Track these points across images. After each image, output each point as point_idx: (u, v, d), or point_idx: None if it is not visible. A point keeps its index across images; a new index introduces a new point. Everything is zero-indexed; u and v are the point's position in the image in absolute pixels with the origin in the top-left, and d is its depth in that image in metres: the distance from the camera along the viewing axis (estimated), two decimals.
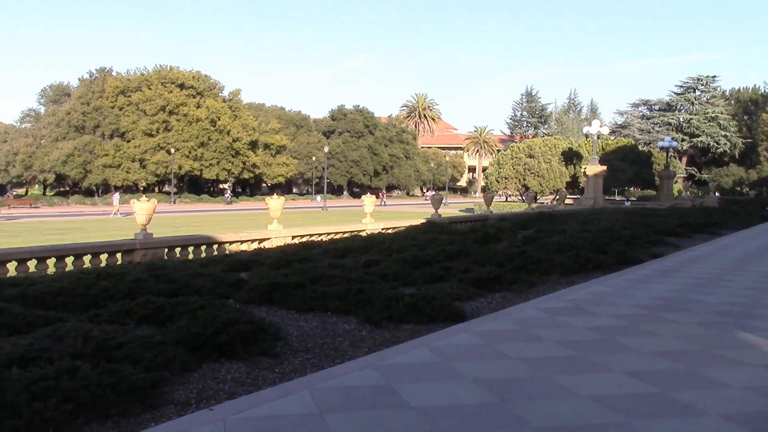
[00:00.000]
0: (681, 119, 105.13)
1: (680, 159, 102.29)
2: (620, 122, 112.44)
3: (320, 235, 21.22)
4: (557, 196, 53.95)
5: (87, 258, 14.92)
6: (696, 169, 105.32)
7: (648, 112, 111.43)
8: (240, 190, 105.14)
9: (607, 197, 55.39)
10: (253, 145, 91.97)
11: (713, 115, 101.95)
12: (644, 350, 6.93)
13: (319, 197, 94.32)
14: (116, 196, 68.63)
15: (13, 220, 53.04)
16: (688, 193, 79.37)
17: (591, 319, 8.53)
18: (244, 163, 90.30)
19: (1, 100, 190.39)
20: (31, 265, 13.93)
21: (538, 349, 6.93)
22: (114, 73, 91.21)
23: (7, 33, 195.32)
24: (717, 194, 59.30)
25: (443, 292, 9.43)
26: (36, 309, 7.42)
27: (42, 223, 48.57)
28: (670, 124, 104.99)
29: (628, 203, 54.42)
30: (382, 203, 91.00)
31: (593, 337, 7.50)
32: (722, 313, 9.16)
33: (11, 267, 13.58)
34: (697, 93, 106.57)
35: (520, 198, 69.02)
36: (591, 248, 14.75)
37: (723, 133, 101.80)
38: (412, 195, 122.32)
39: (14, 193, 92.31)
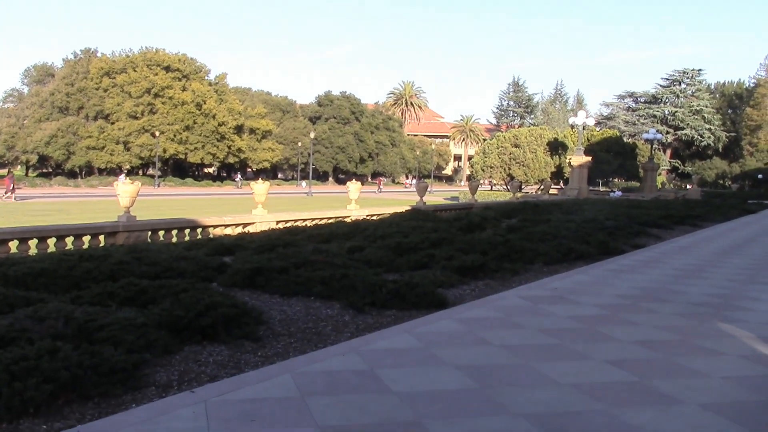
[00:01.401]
0: (666, 112, 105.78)
1: (664, 151, 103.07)
2: (606, 114, 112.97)
3: (305, 220, 21.17)
4: (542, 186, 54.08)
5: (69, 240, 14.80)
6: (680, 162, 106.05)
7: (633, 105, 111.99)
8: (225, 174, 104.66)
9: (591, 188, 55.67)
10: (239, 130, 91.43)
11: (698, 108, 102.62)
12: (625, 339, 7.00)
13: (304, 183, 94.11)
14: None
15: None
16: (672, 185, 79.81)
17: (573, 308, 8.59)
18: (229, 147, 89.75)
19: None
20: (13, 245, 13.81)
21: (520, 336, 6.98)
22: (99, 54, 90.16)
23: None
24: (699, 187, 59.72)
25: (427, 279, 9.46)
26: (17, 289, 7.37)
27: (24, 204, 48.17)
28: (655, 116, 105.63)
29: (617, 194, 54.61)
30: (379, 190, 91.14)
31: (575, 326, 7.55)
32: (702, 304, 9.25)
33: None
34: (683, 86, 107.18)
35: (505, 187, 69.20)
36: (574, 238, 14.84)
37: (707, 126, 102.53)
38: (398, 182, 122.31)
39: None
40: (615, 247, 15.06)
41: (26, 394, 4.38)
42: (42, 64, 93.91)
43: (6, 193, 53.52)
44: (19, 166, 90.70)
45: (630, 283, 10.75)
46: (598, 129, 76.19)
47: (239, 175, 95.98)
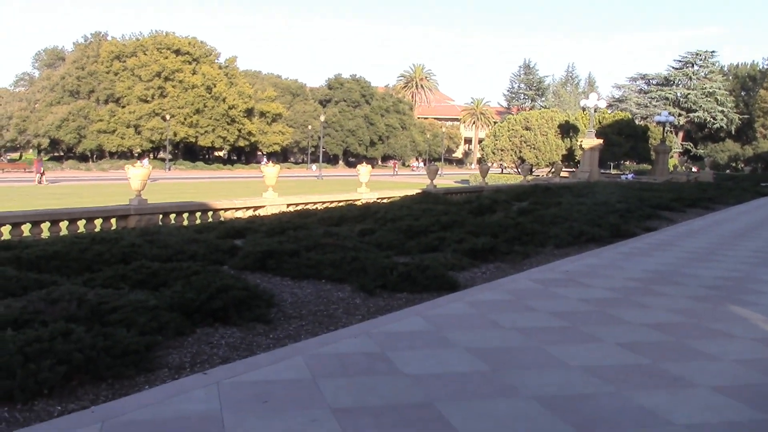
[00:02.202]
0: (678, 94, 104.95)
1: (676, 134, 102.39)
2: (618, 96, 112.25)
3: (315, 203, 21.17)
4: (553, 169, 53.85)
5: (81, 223, 14.87)
6: (692, 144, 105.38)
7: (646, 87, 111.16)
8: (235, 157, 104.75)
9: (602, 171, 55.42)
10: (249, 113, 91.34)
11: (711, 90, 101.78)
12: (637, 322, 6.98)
13: (314, 166, 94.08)
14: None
15: (7, 183, 52.86)
16: (684, 168, 79.35)
17: (584, 290, 8.57)
18: (239, 130, 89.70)
19: None
20: (26, 228, 13.88)
21: (531, 319, 6.97)
22: (109, 38, 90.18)
23: None
24: (712, 170, 59.24)
25: (437, 262, 9.46)
26: (30, 272, 7.42)
27: (36, 188, 48.41)
28: (667, 98, 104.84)
29: (630, 176, 54.25)
30: (395, 173, 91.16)
31: (586, 309, 7.54)
32: (715, 287, 9.21)
33: (5, 231, 13.53)
34: (696, 68, 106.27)
35: (515, 170, 69.00)
36: (585, 221, 14.79)
37: (720, 108, 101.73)
38: (408, 166, 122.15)
39: (8, 157, 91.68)
40: (626, 230, 15.00)
41: (40, 375, 4.41)
42: (53, 48, 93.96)
43: (38, 176, 54.71)
44: (30, 150, 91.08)
45: (642, 266, 10.71)
46: (609, 111, 75.71)
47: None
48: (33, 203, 31.20)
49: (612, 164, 77.49)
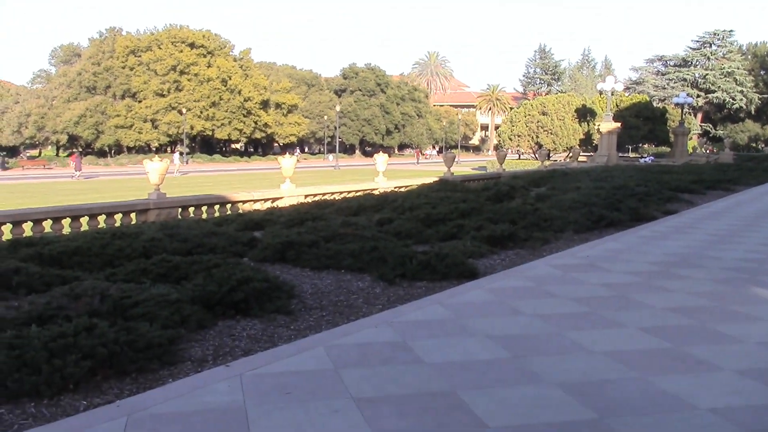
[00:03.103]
0: (696, 75, 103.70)
1: (695, 115, 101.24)
2: (635, 78, 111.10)
3: (333, 193, 21.19)
4: (570, 154, 53.48)
5: (102, 218, 14.98)
6: (711, 126, 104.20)
7: (663, 68, 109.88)
8: (252, 150, 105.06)
9: (621, 154, 54.95)
10: (265, 105, 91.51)
11: (729, 70, 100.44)
12: (658, 306, 6.93)
13: (331, 156, 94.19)
14: (176, 155, 68.82)
15: (28, 180, 53.40)
16: (703, 149, 78.59)
17: (605, 275, 8.53)
18: (255, 122, 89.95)
19: (13, 62, 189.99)
20: (47, 225, 14.00)
21: (551, 305, 6.94)
22: (124, 33, 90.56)
23: None
24: (732, 151, 58.54)
25: (456, 250, 9.44)
26: (52, 268, 7.49)
27: (56, 184, 48.83)
28: (685, 80, 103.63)
29: (648, 159, 53.75)
30: (418, 162, 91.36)
31: (607, 294, 7.50)
32: (737, 269, 9.13)
33: (27, 227, 13.65)
34: (713, 48, 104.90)
35: (533, 156, 68.64)
36: (604, 205, 14.69)
37: (739, 88, 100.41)
38: (422, 153, 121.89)
39: (27, 154, 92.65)
40: (646, 214, 14.90)
41: (65, 370, 4.46)
42: (68, 45, 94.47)
43: (75, 172, 56.52)
44: (49, 147, 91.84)
45: (662, 249, 10.63)
46: (627, 94, 75.04)
47: (297, 150, 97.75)
48: (53, 200, 31.47)
49: (630, 147, 76.71)
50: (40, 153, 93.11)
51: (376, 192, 21.46)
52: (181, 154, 73.56)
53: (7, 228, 13.36)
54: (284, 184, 20.31)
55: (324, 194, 20.96)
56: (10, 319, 5.35)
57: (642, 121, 61.91)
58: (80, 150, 74.62)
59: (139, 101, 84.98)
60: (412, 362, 5.12)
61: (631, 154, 74.51)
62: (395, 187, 23.06)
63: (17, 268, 7.02)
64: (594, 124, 57.01)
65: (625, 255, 10.07)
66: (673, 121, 65.20)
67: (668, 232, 12.76)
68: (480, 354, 5.35)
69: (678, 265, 9.33)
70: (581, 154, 54.91)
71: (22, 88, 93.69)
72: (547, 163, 40.72)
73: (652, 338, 5.82)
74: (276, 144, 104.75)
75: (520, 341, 5.70)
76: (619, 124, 46.40)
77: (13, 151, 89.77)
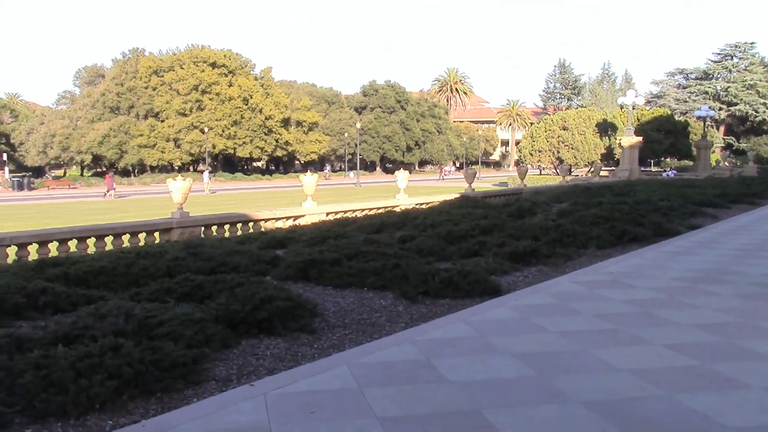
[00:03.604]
0: (718, 88, 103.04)
1: (717, 128, 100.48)
2: (656, 92, 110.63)
3: (354, 211, 21.25)
4: (592, 169, 53.25)
5: (126, 237, 15.11)
6: (734, 139, 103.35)
7: (684, 81, 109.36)
8: (273, 167, 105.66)
9: (643, 169, 54.61)
10: (286, 123, 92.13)
11: (752, 82, 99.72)
12: (684, 323, 6.86)
13: (352, 173, 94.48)
14: (206, 173, 69.72)
15: (52, 200, 54.04)
16: (726, 163, 77.86)
17: (629, 291, 8.46)
18: (276, 140, 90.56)
19: (38, 83, 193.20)
20: (72, 245, 14.16)
21: (575, 322, 6.90)
22: (147, 54, 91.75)
23: (43, 17, 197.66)
24: (756, 164, 57.90)
25: (479, 267, 9.41)
26: (78, 288, 7.57)
27: (81, 204, 49.37)
28: (707, 92, 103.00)
29: (671, 173, 53.34)
30: (442, 178, 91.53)
31: (632, 310, 7.43)
32: (764, 284, 9.01)
33: (53, 247, 13.81)
34: (735, 60, 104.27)
35: (554, 171, 68.37)
36: (627, 220, 14.58)
37: (762, 101, 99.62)
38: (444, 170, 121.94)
39: (53, 174, 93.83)
40: (670, 229, 14.77)
41: (92, 390, 4.49)
42: (93, 66, 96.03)
43: (108, 191, 57.61)
44: (74, 167, 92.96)
45: (687, 264, 10.53)
46: (648, 108, 74.73)
47: (328, 167, 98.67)
48: (78, 219, 31.79)
49: (652, 162, 76.28)
50: (64, 173, 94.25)
51: (397, 209, 21.47)
52: (210, 172, 74.30)
53: (33, 248, 13.52)
54: (306, 201, 20.39)
55: (345, 212, 21.01)
56: (37, 339, 5.41)
57: (664, 135, 61.61)
58: (112, 170, 75.62)
59: (162, 121, 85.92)
60: (436, 381, 5.10)
61: (653, 168, 74.09)
62: (416, 204, 23.05)
63: (44, 288, 7.10)
64: (615, 139, 56.84)
65: (649, 271, 9.99)
66: (696, 135, 64.79)
67: (693, 247, 12.63)
68: (504, 372, 5.32)
69: (703, 280, 9.24)
70: (603, 168, 54.66)
71: (48, 109, 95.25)
72: (568, 178, 40.54)
73: (678, 355, 5.76)
74: (297, 162, 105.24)
75: (545, 359, 5.66)
76: (640, 138, 46.15)
77: (38, 172, 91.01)
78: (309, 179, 20.82)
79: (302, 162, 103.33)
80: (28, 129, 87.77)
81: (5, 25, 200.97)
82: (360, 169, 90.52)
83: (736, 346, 6.04)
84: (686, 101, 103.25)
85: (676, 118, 74.75)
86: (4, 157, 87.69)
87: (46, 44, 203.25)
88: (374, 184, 75.89)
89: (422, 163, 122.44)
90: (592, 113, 68.96)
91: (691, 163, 65.73)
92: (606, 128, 64.75)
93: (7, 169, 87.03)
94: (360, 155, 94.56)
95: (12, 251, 13.33)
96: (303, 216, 19.52)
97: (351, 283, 8.65)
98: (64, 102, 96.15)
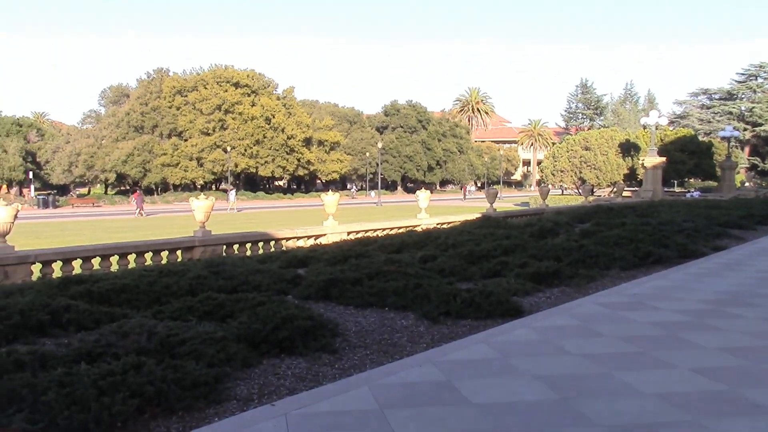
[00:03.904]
0: (743, 108, 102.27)
1: (742, 149, 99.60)
2: (679, 112, 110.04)
3: (375, 230, 21.26)
4: (614, 189, 53.01)
5: (148, 255, 15.22)
6: (759, 159, 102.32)
7: (708, 102, 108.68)
8: (295, 186, 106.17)
9: (666, 189, 54.21)
10: (308, 142, 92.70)
11: None
12: (710, 346, 6.75)
13: (373, 193, 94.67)
14: (232, 192, 70.65)
15: (76, 218, 54.60)
16: (752, 183, 77.00)
17: (653, 314, 8.35)
18: (298, 159, 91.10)
19: (64, 102, 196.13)
20: (96, 262, 14.28)
21: (599, 344, 6.82)
22: (171, 74, 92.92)
23: (69, 37, 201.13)
24: None
25: (500, 287, 9.35)
26: (101, 305, 7.60)
27: (104, 222, 49.83)
28: (731, 113, 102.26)
29: (696, 194, 52.84)
30: (465, 197, 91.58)
31: (656, 333, 7.34)
32: None
33: (76, 264, 13.94)
34: (760, 80, 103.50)
35: (576, 191, 68.03)
36: (651, 241, 14.43)
37: None
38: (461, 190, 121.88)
39: (77, 192, 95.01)
40: (694, 250, 14.59)
41: (114, 408, 4.50)
42: (117, 86, 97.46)
43: (137, 209, 58.59)
44: (98, 185, 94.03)
45: (713, 287, 10.39)
46: (671, 128, 74.22)
47: (354, 186, 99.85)
48: (102, 237, 32.08)
49: (676, 182, 75.67)
50: (89, 191, 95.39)
51: (418, 229, 21.45)
52: (236, 191, 75.08)
53: (57, 265, 13.66)
54: (327, 220, 20.44)
55: (366, 231, 21.02)
56: (60, 356, 5.44)
57: (687, 156, 61.08)
58: (139, 188, 76.60)
59: (185, 140, 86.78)
60: (458, 403, 5.05)
61: (677, 189, 73.46)
62: (438, 224, 23.02)
63: (68, 306, 7.15)
64: (638, 159, 56.44)
65: (673, 293, 9.86)
66: (720, 155, 64.20)
67: (718, 269, 12.47)
68: (527, 394, 5.26)
69: (730, 303, 9.10)
70: (625, 189, 54.37)
71: (73, 128, 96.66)
72: (590, 198, 40.33)
73: (705, 380, 5.66)
74: (318, 181, 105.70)
75: (568, 382, 5.59)
76: (663, 159, 45.87)
77: (63, 190, 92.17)
78: (330, 198, 20.87)
79: (324, 181, 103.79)
80: (54, 148, 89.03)
81: (33, 46, 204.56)
82: (381, 188, 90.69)
83: (765, 371, 5.93)
84: (710, 121, 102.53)
85: (700, 138, 74.19)
86: (30, 175, 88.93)
87: (72, 64, 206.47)
88: (395, 204, 75.93)
89: (443, 183, 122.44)
90: (614, 133, 68.63)
91: (715, 183, 65.09)
92: (629, 148, 64.37)
93: (33, 187, 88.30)
94: (381, 174, 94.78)
95: (36, 268, 13.47)
96: (324, 235, 19.55)
97: (372, 303, 8.63)
98: (90, 121, 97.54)
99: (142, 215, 56.80)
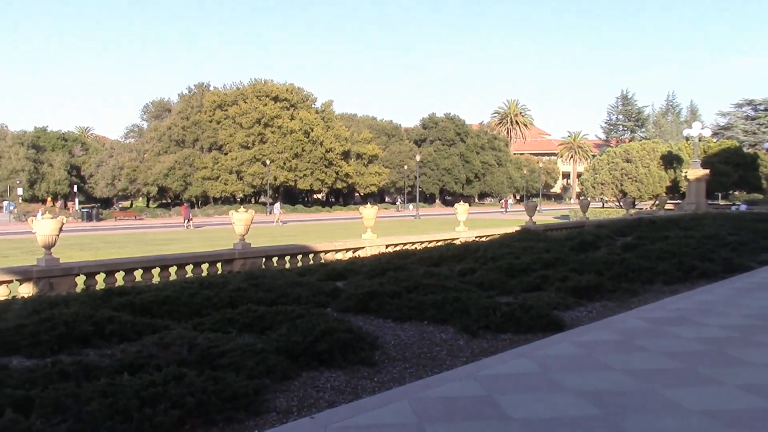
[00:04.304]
0: None
1: None
2: (723, 124, 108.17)
3: (414, 243, 21.20)
4: (657, 202, 52.17)
5: (189, 267, 15.38)
6: None
7: (753, 113, 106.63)
8: (333, 199, 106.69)
9: (710, 202, 53.24)
10: (346, 155, 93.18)
11: None
12: (759, 363, 6.58)
13: (411, 206, 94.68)
14: (277, 205, 71.76)
15: (119, 231, 55.56)
16: None
17: (699, 329, 8.18)
18: (337, 173, 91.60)
19: (108, 117, 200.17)
20: (138, 274, 14.47)
21: (643, 360, 6.69)
22: (211, 88, 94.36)
23: (113, 53, 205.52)
24: None
25: (541, 301, 9.25)
26: (143, 317, 7.71)
27: (146, 234, 50.58)
28: None
29: (742, 207, 51.80)
30: (505, 210, 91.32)
31: (702, 349, 7.18)
32: None
33: (119, 276, 14.14)
34: None
35: (617, 204, 67.14)
36: (695, 255, 14.17)
37: None
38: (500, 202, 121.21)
39: (120, 205, 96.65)
40: (740, 264, 14.28)
41: (155, 419, 4.53)
42: (159, 100, 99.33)
43: (185, 221, 60.03)
44: (140, 198, 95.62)
45: (760, 302, 10.14)
46: (714, 140, 73.00)
47: (399, 199, 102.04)
48: (144, 249, 32.56)
49: (720, 195, 74.33)
50: (131, 204, 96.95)
51: (457, 242, 21.36)
52: (280, 204, 75.90)
53: (100, 277, 13.87)
54: (365, 233, 20.45)
55: (405, 244, 20.99)
56: (103, 367, 5.51)
57: (732, 168, 59.94)
58: (186, 202, 77.95)
59: (225, 153, 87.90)
60: (499, 418, 4.99)
61: (721, 202, 72.07)
62: (476, 237, 22.90)
63: (110, 317, 7.25)
64: (681, 171, 55.55)
65: (719, 308, 9.65)
66: (766, 167, 62.93)
67: (765, 283, 12.18)
68: (569, 410, 5.17)
69: None
70: (668, 201, 53.47)
71: (116, 142, 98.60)
72: (632, 211, 39.80)
73: (754, 397, 5.51)
74: (357, 194, 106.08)
75: (611, 398, 5.49)
76: (707, 171, 45.11)
77: (106, 203, 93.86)
78: (368, 211, 20.89)
79: (362, 194, 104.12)
80: (98, 161, 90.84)
81: (78, 61, 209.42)
82: (419, 201, 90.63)
83: None
84: (755, 133, 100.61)
85: (745, 150, 72.84)
86: (75, 188, 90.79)
87: (116, 79, 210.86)
88: (433, 217, 75.81)
89: (482, 196, 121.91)
90: (656, 145, 67.66)
91: (761, 196, 63.79)
92: (671, 161, 63.39)
93: (77, 200, 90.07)
94: (419, 187, 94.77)
95: (81, 280, 13.70)
96: (363, 248, 19.57)
97: (411, 316, 8.59)
98: (132, 135, 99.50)
99: (190, 227, 57.85)
